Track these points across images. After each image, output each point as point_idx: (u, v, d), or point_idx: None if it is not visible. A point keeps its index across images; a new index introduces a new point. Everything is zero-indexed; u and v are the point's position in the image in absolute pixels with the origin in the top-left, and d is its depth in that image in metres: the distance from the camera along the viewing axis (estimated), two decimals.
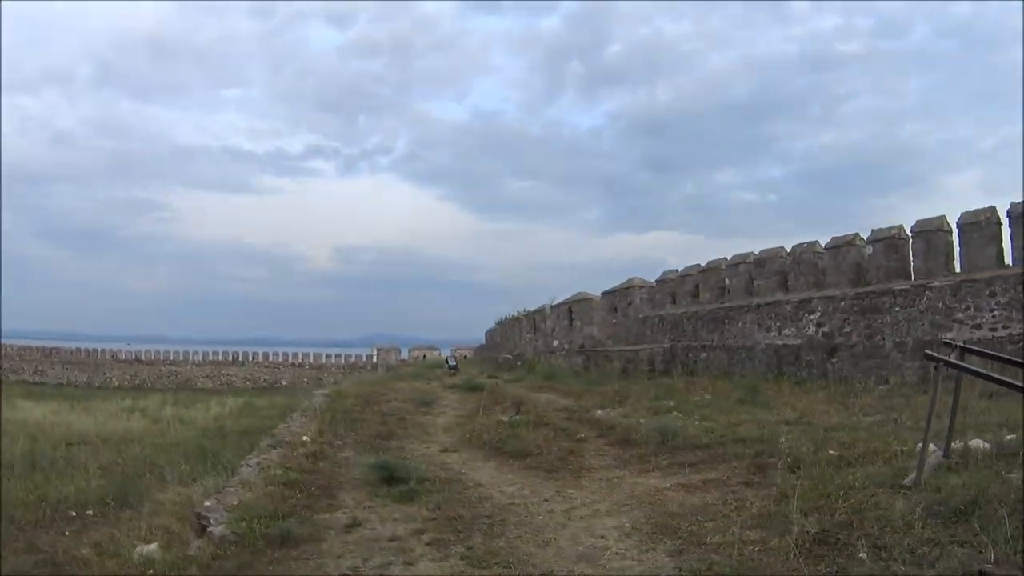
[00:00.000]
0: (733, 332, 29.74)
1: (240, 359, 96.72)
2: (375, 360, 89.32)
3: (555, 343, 44.09)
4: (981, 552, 7.12)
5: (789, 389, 23.03)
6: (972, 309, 21.69)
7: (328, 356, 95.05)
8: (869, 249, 25.50)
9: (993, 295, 21.27)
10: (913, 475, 9.49)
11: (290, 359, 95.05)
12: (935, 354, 10.27)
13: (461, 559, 8.84)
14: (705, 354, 30.80)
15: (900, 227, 24.55)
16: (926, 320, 22.76)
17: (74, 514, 14.83)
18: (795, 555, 7.65)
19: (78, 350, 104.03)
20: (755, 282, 29.82)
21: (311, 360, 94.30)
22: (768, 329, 28.03)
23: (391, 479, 12.49)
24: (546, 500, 11.48)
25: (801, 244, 27.82)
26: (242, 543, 9.39)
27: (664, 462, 13.24)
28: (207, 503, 11.08)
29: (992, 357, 11.01)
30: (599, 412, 19.59)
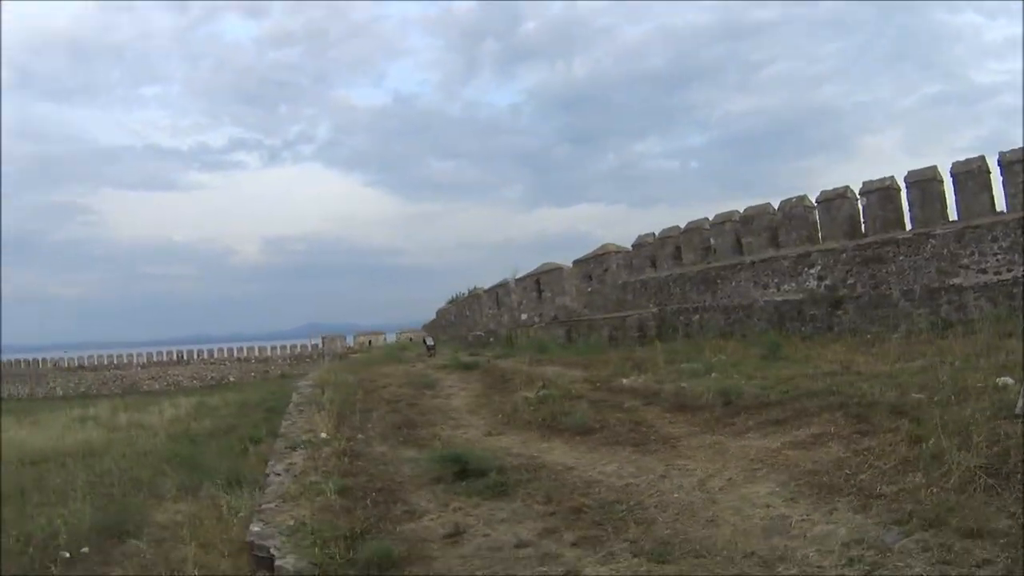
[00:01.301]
0: (727, 291, 29.90)
1: (185, 358, 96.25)
2: (321, 349, 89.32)
3: (523, 317, 44.08)
4: None
5: (801, 344, 23.10)
6: (976, 254, 22.25)
7: (273, 348, 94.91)
8: (863, 201, 25.79)
9: (995, 240, 21.86)
10: (1021, 404, 9.77)
11: (235, 354, 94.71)
12: None
13: (635, 556, 7.85)
14: (698, 316, 30.94)
15: (892, 178, 25.00)
16: (932, 267, 23.21)
17: (68, 554, 13.36)
18: (980, 489, 7.72)
19: (17, 361, 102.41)
20: (743, 240, 29.98)
21: (256, 354, 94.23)
22: (766, 286, 28.23)
23: (463, 472, 11.51)
24: (663, 476, 10.69)
25: (790, 199, 28.02)
26: None
27: (750, 423, 12.94)
28: (255, 528, 9.91)
29: None
30: (625, 381, 19.30)
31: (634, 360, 23.16)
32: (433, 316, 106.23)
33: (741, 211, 30.05)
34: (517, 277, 46.08)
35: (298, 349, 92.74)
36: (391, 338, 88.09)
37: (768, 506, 8.87)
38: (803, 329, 26.09)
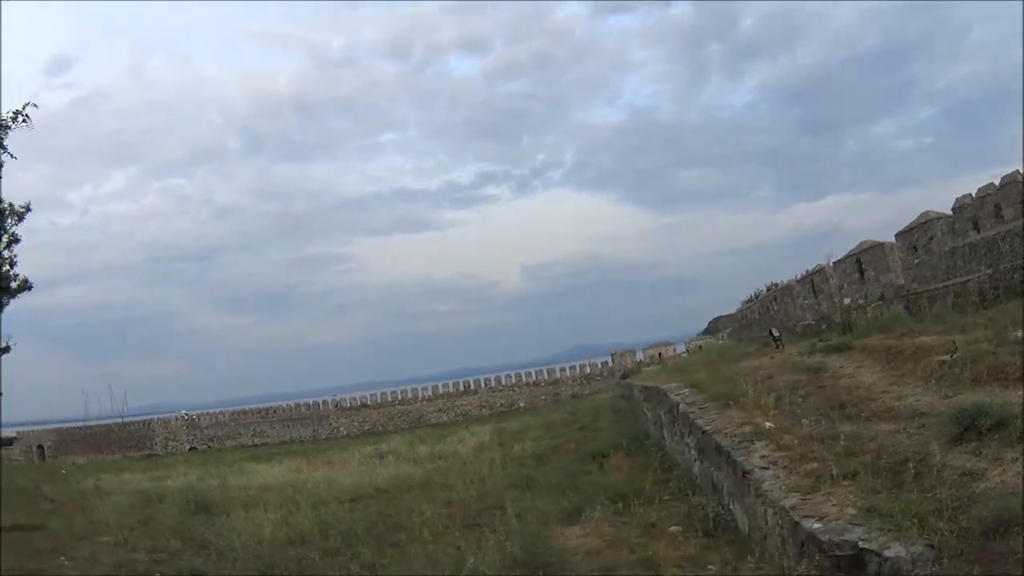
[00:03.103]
0: None
1: (472, 387, 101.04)
2: (611, 365, 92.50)
3: (846, 301, 44.96)
4: None
5: None
6: None
7: (562, 370, 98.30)
8: None
9: None
10: None
11: (523, 379, 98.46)
12: None
13: None
14: None
15: None
16: None
17: None
18: None
19: (297, 405, 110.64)
20: None
21: (545, 377, 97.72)
22: None
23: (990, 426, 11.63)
24: None
25: None
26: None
27: None
28: (814, 525, 9.91)
29: None
30: (1019, 334, 19.27)
31: (1003, 320, 22.57)
32: (704, 325, 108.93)
33: None
34: (835, 260, 46.92)
35: (587, 369, 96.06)
36: (680, 348, 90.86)
37: None
38: None
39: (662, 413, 27.54)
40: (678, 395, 24.62)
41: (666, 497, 18.91)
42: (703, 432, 18.18)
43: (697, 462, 19.81)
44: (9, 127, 18.99)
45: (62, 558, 22.17)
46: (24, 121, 18.86)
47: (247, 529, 22.85)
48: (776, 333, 41.34)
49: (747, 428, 16.37)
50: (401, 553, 17.93)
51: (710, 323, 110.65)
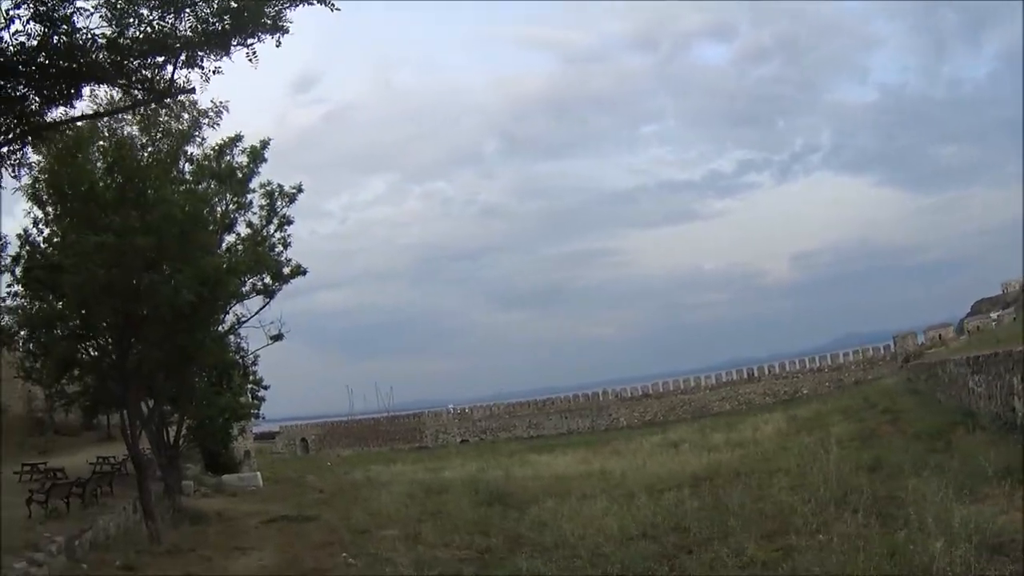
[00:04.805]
0: None
1: (756, 375, 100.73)
2: (893, 349, 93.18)
3: None
4: None
5: None
6: None
7: (845, 355, 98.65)
8: None
9: None
10: None
11: (807, 366, 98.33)
12: None
13: None
14: None
15: None
16: None
17: None
18: None
19: (575, 396, 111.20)
20: None
21: (828, 363, 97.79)
22: None
23: None
24: None
25: None
26: None
27: None
28: None
29: None
30: None
31: None
32: (966, 309, 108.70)
33: None
34: None
35: (870, 353, 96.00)
36: (951, 326, 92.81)
37: None
38: None
39: (1015, 379, 26.45)
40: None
41: None
42: None
43: None
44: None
45: (344, 555, 21.95)
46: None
47: (567, 524, 21.21)
48: None
49: None
50: (803, 545, 15.80)
51: (973, 306, 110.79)
